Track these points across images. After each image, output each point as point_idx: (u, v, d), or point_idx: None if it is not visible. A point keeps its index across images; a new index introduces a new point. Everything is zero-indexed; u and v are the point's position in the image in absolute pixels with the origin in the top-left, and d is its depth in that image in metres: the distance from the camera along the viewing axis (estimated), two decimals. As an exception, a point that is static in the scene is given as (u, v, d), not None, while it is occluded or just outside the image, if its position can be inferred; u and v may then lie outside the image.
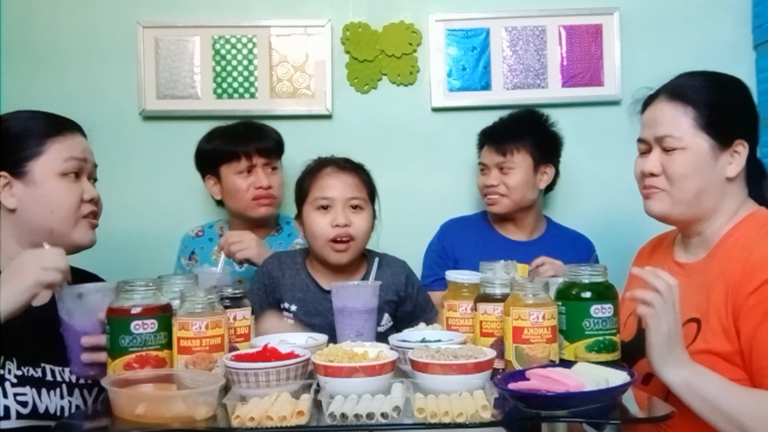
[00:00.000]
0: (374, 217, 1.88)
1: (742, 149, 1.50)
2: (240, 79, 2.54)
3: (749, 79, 2.38)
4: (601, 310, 1.36)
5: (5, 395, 1.44)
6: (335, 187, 1.82)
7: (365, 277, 1.84)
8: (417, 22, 2.54)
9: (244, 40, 2.54)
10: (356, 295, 1.57)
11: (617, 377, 1.24)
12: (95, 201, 1.62)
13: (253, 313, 1.50)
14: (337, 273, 1.82)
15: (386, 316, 1.82)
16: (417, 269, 2.19)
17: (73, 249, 1.57)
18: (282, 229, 2.32)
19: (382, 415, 1.12)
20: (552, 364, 1.34)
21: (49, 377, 1.51)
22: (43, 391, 1.49)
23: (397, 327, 1.77)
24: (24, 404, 1.46)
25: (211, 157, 2.24)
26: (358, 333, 1.54)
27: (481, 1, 2.57)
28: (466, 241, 2.31)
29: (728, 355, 1.41)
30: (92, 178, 1.65)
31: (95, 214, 1.62)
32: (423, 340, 1.42)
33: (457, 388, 1.19)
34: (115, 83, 2.53)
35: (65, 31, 2.54)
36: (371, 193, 1.89)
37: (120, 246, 2.44)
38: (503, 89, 2.54)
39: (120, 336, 1.30)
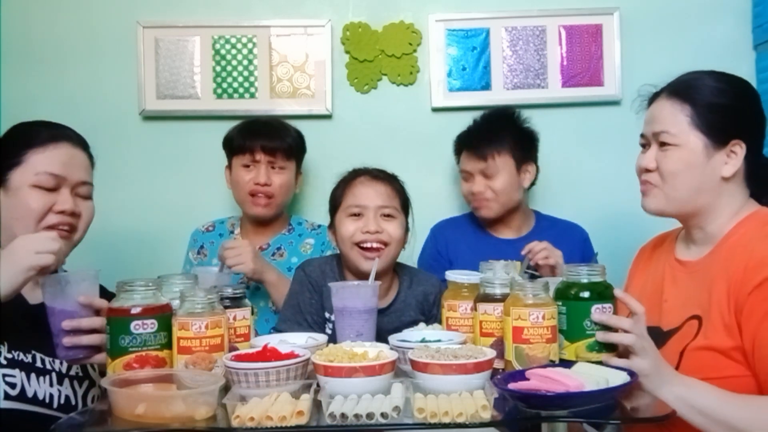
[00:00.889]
0: (407, 229, 1.87)
1: (739, 149, 1.49)
2: (240, 79, 2.54)
3: (749, 79, 2.34)
4: (601, 310, 1.37)
5: None
6: (367, 195, 1.82)
7: (396, 298, 1.84)
8: (417, 22, 2.54)
9: (244, 40, 2.54)
10: (356, 295, 1.57)
11: (617, 377, 1.24)
12: (69, 213, 1.59)
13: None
14: None
15: None
16: (417, 269, 2.19)
17: None
18: (293, 229, 2.32)
19: (382, 415, 1.12)
20: (552, 364, 1.34)
21: (39, 364, 1.53)
22: (33, 375, 1.51)
23: None
24: (12, 386, 1.48)
25: (227, 146, 2.29)
26: (358, 333, 1.54)
27: (481, 1, 2.57)
28: (458, 242, 2.30)
29: (729, 351, 1.41)
30: (77, 190, 1.62)
31: (71, 226, 1.61)
32: (423, 340, 1.43)
33: (457, 388, 1.19)
34: (115, 83, 2.53)
35: (65, 31, 2.54)
36: (404, 203, 1.88)
37: (120, 246, 2.45)
38: (503, 89, 2.54)
39: (120, 336, 1.31)
